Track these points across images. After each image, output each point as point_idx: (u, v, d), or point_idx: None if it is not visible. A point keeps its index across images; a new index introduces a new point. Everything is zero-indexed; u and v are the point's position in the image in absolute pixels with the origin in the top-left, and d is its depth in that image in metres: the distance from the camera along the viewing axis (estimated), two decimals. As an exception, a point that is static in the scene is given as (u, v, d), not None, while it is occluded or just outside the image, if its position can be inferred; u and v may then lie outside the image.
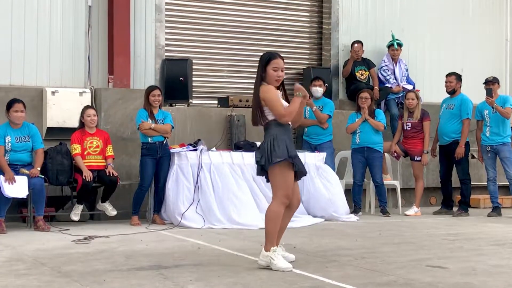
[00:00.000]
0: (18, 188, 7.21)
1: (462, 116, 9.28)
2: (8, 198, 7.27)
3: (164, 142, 8.11)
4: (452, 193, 9.71)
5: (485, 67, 11.63)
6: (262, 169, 5.36)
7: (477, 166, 10.61)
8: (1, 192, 7.21)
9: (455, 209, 9.58)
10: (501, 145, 9.19)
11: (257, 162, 5.37)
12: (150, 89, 8.21)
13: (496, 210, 9.26)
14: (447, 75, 9.54)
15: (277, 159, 5.21)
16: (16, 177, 7.23)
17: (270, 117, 5.36)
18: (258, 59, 5.50)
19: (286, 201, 5.26)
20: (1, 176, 7.21)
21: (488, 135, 9.25)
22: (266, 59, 5.39)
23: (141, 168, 8.07)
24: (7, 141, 7.43)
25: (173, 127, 8.28)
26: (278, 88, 5.43)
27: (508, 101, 9.18)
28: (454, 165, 9.48)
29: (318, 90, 9.41)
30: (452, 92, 9.42)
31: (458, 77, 9.48)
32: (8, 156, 7.44)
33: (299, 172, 5.35)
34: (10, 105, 7.51)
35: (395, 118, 10.23)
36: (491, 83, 9.30)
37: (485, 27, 12.06)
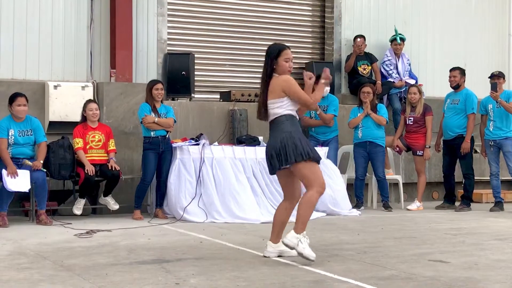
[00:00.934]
0: (21, 182, 7.21)
1: (467, 111, 9.26)
2: (10, 192, 7.27)
3: (167, 137, 8.10)
4: (455, 188, 9.70)
5: (489, 61, 11.61)
6: (274, 168, 5.34)
7: (480, 161, 10.60)
8: (3, 186, 7.22)
9: (457, 203, 9.57)
10: (504, 139, 9.18)
11: (271, 160, 5.31)
12: (153, 83, 8.20)
13: (498, 204, 9.27)
14: (451, 70, 9.52)
15: (300, 157, 5.18)
16: (19, 171, 7.24)
17: (283, 110, 5.30)
18: (261, 53, 5.51)
19: (322, 190, 5.26)
20: (4, 170, 7.21)
21: (491, 129, 9.24)
22: (277, 51, 5.40)
23: (144, 162, 8.07)
24: (10, 134, 7.43)
25: (175, 121, 8.27)
26: None
27: None
28: (457, 160, 9.47)
29: (326, 89, 9.37)
30: (457, 87, 9.40)
31: (462, 72, 9.45)
32: (11, 150, 7.44)
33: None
34: (12, 99, 7.51)
35: (397, 112, 10.21)
36: (496, 78, 9.29)
37: (489, 21, 12.03)
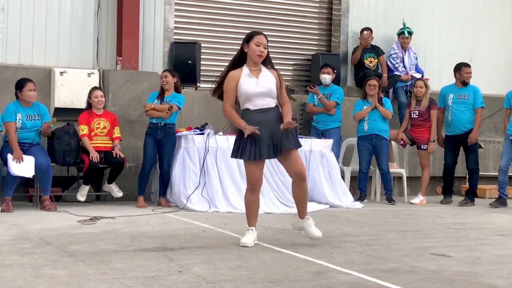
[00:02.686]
0: (25, 167, 7.23)
1: (476, 105, 9.26)
2: (15, 177, 7.30)
3: (162, 124, 8.05)
4: (454, 183, 9.71)
5: (496, 55, 11.57)
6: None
7: (484, 156, 10.59)
8: (8, 171, 7.24)
9: (454, 198, 9.56)
10: None
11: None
12: (163, 71, 8.31)
13: (500, 200, 9.20)
14: (466, 66, 9.42)
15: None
16: (24, 156, 7.25)
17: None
18: (267, 44, 5.52)
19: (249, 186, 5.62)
20: (9, 154, 7.23)
21: None
22: (250, 35, 5.54)
23: (143, 147, 8.14)
24: (17, 118, 7.45)
25: (179, 108, 8.20)
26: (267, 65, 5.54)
27: None
28: (458, 156, 9.45)
29: (326, 77, 9.36)
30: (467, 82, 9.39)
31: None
32: (18, 134, 7.45)
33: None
34: (22, 84, 7.51)
35: (403, 106, 10.19)
36: None
37: (496, 15, 11.97)
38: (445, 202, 9.46)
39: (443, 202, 9.46)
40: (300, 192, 5.61)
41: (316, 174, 8.60)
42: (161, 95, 8.09)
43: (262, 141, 5.41)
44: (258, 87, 5.45)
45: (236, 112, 5.57)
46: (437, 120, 9.39)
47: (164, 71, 8.32)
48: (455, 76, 9.48)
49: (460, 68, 9.42)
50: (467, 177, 9.97)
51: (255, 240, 5.51)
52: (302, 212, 5.67)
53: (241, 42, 10.08)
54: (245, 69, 5.51)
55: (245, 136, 5.38)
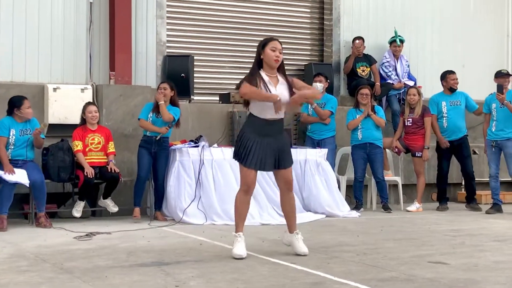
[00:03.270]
0: (20, 175, 7.23)
1: (473, 108, 9.47)
2: (10, 195, 7.26)
3: (158, 138, 8.07)
4: (449, 190, 9.78)
5: (487, 62, 11.62)
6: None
7: (479, 162, 10.61)
8: (3, 188, 7.22)
9: (450, 204, 9.59)
10: (505, 140, 9.12)
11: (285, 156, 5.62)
12: (160, 83, 8.34)
13: (495, 207, 9.21)
14: (451, 73, 9.50)
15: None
16: (16, 169, 7.24)
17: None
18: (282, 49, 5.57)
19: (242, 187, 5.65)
20: (0, 171, 7.21)
21: (493, 130, 9.19)
22: (265, 41, 5.56)
23: (138, 159, 8.13)
24: (11, 133, 7.43)
25: (174, 120, 8.21)
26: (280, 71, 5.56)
27: None
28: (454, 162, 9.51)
29: (318, 85, 9.35)
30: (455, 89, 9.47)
31: None
32: (11, 152, 7.43)
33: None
34: (20, 102, 7.48)
35: (396, 114, 10.22)
36: (506, 76, 9.29)
37: (487, 22, 12.04)
38: (442, 209, 9.46)
39: (439, 209, 9.47)
40: (288, 204, 5.68)
41: (312, 183, 8.60)
42: (156, 107, 8.09)
43: (266, 153, 5.46)
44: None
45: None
46: (432, 126, 9.42)
47: (162, 83, 8.29)
48: (442, 85, 9.57)
49: (446, 76, 9.56)
50: (463, 183, 9.97)
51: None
52: (291, 225, 5.70)
53: (233, 53, 10.11)
54: (264, 76, 5.51)
55: (276, 109, 5.36)
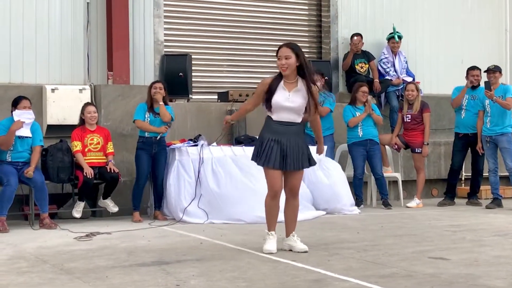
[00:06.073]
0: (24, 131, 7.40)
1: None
2: (10, 197, 7.24)
3: (158, 138, 8.08)
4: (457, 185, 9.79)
5: (485, 57, 11.59)
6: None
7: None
8: (3, 190, 7.20)
9: (456, 200, 9.60)
10: (500, 135, 9.15)
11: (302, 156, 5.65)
12: (152, 82, 8.27)
13: (495, 201, 9.23)
14: (473, 69, 9.46)
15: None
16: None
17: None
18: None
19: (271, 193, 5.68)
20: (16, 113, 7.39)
21: (488, 125, 9.22)
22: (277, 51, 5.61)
23: (137, 163, 8.08)
24: None
25: (172, 119, 8.21)
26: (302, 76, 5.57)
27: (509, 91, 9.14)
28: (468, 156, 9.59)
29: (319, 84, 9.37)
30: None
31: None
32: (11, 154, 7.43)
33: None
34: (17, 101, 7.52)
35: (395, 110, 10.22)
36: (492, 72, 9.27)
37: (484, 17, 12.04)
38: (449, 203, 9.46)
39: (445, 204, 9.45)
40: (291, 209, 5.72)
41: (314, 179, 8.56)
42: (151, 107, 8.07)
43: (286, 152, 5.51)
44: (289, 102, 5.51)
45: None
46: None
47: (156, 82, 8.25)
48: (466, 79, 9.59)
49: (468, 71, 9.56)
50: (472, 178, 9.88)
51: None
52: (288, 229, 5.73)
53: (231, 52, 10.17)
54: (281, 81, 5.55)
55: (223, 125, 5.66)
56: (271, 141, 5.51)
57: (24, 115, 7.40)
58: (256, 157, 5.61)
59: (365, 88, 9.32)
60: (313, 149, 8.73)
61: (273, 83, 5.55)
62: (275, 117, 5.57)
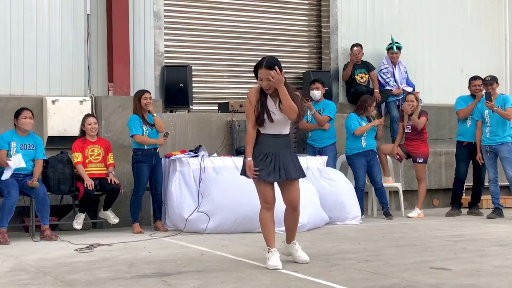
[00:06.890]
0: (16, 162, 7.33)
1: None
2: (11, 209, 7.24)
3: (158, 149, 8.15)
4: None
5: (485, 67, 11.62)
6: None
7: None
8: (4, 202, 7.20)
9: (452, 209, 9.58)
10: (500, 145, 9.14)
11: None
12: (141, 92, 8.18)
13: (496, 211, 9.22)
14: (475, 79, 9.47)
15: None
16: (11, 158, 7.34)
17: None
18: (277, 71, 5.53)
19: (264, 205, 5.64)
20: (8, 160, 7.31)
21: (488, 135, 9.21)
22: (254, 68, 5.56)
23: (137, 176, 8.04)
24: (12, 146, 7.45)
25: (165, 129, 8.26)
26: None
27: (508, 101, 9.14)
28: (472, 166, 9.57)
29: (315, 93, 9.38)
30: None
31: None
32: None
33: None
34: (18, 112, 7.55)
35: (395, 120, 10.23)
36: (489, 84, 9.28)
37: (484, 27, 12.07)
38: (456, 213, 9.46)
39: (453, 214, 9.44)
40: (292, 220, 5.70)
41: (318, 188, 8.54)
42: (143, 118, 8.07)
43: (276, 164, 5.49)
44: (275, 115, 5.50)
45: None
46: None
47: (145, 92, 8.19)
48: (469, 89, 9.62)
49: (470, 81, 9.58)
50: (473, 188, 9.85)
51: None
52: (290, 238, 5.73)
53: (231, 63, 10.13)
54: (267, 95, 5.54)
55: (246, 172, 5.51)
56: (261, 155, 5.50)
57: (16, 162, 7.36)
58: (245, 172, 5.58)
59: (373, 102, 9.42)
60: (313, 159, 8.84)
61: (260, 96, 5.52)
62: (263, 130, 5.56)
